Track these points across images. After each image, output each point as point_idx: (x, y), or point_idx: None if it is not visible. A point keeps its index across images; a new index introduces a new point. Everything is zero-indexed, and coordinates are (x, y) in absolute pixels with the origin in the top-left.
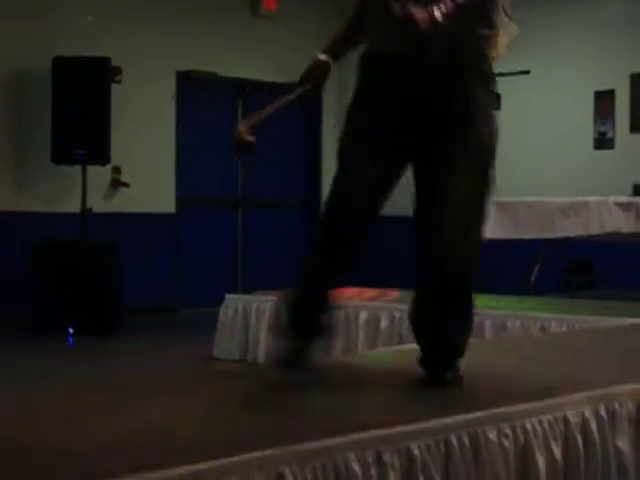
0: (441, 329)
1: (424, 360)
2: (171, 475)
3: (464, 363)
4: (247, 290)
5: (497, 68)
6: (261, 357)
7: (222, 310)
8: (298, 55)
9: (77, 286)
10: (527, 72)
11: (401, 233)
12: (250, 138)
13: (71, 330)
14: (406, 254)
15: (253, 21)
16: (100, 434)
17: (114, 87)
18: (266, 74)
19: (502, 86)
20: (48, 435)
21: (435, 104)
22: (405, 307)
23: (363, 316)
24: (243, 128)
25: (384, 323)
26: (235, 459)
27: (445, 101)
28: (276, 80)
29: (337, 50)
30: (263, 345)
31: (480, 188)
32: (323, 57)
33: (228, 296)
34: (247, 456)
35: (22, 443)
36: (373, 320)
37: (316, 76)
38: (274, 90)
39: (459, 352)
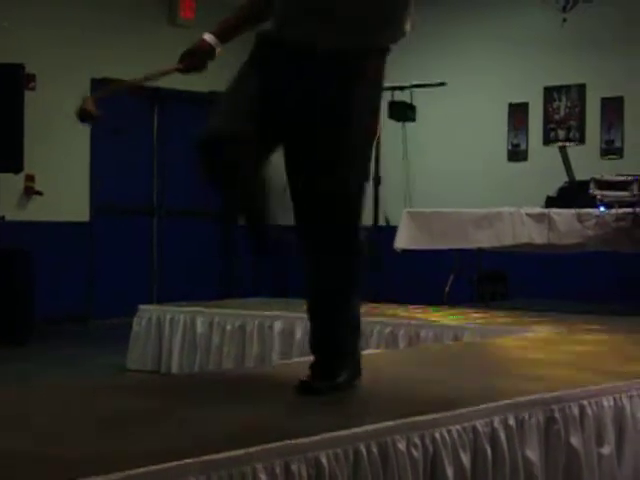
0: (321, 332)
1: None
2: None
3: (368, 371)
4: (162, 300)
5: (414, 79)
6: (175, 368)
7: (136, 320)
8: (215, 64)
9: None
10: (443, 84)
11: None
12: (92, 109)
13: None
14: None
15: (170, 29)
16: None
17: (28, 94)
18: (182, 83)
19: (418, 97)
20: None
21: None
22: None
23: (278, 326)
24: (91, 98)
25: (299, 333)
26: (132, 472)
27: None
28: (192, 89)
29: (226, 34)
30: (177, 356)
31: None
32: (208, 38)
33: (142, 307)
34: (146, 469)
35: None
36: (288, 330)
37: (198, 56)
38: (191, 98)
39: (341, 358)
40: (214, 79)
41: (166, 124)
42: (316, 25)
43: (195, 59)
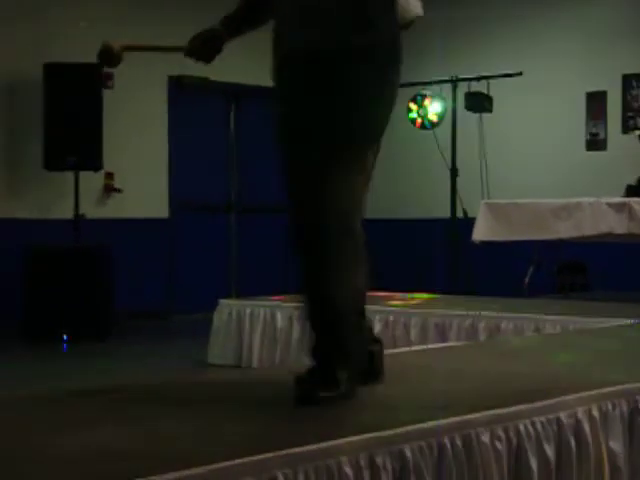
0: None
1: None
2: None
3: (449, 363)
4: (240, 295)
5: (490, 70)
6: (255, 362)
7: (216, 315)
8: None
9: (70, 292)
10: (520, 74)
11: (388, 236)
12: (119, 53)
13: (65, 336)
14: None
15: None
16: (91, 440)
17: (106, 93)
18: (259, 78)
19: (495, 88)
20: (41, 441)
21: None
22: (396, 310)
23: None
24: (119, 44)
25: (377, 327)
26: (227, 464)
27: None
28: (269, 85)
29: (233, 25)
30: (257, 350)
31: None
32: (215, 26)
33: (222, 301)
34: (239, 461)
35: (14, 450)
36: None
37: (202, 41)
38: (268, 94)
39: (336, 359)
40: None
41: (243, 120)
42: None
43: (198, 43)
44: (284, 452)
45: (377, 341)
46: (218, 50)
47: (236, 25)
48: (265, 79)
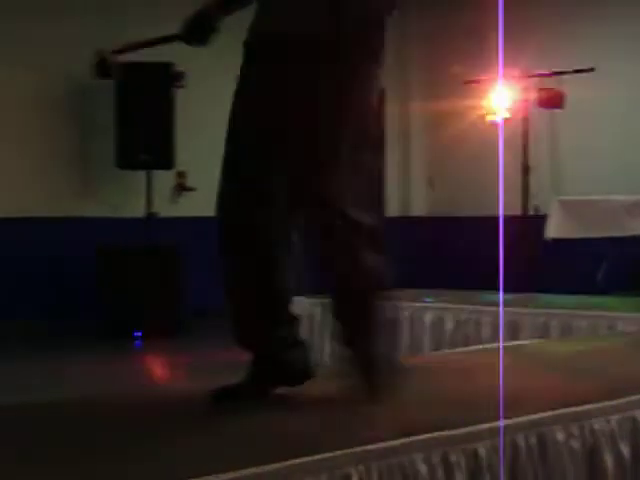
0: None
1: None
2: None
3: (521, 361)
4: (309, 293)
5: (562, 66)
6: (326, 358)
7: None
8: None
9: (143, 290)
10: (592, 69)
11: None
12: (113, 61)
13: (138, 334)
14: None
15: None
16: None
17: (178, 91)
18: None
19: (567, 84)
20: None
21: None
22: (468, 307)
23: (428, 317)
24: (111, 49)
25: (449, 324)
26: (299, 461)
27: None
28: None
29: (219, 5)
30: (328, 347)
31: None
32: (205, 6)
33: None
34: (316, 457)
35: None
36: (438, 322)
37: (193, 23)
38: None
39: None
40: None
41: None
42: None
43: (188, 27)
44: (359, 449)
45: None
46: (212, 30)
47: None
48: None
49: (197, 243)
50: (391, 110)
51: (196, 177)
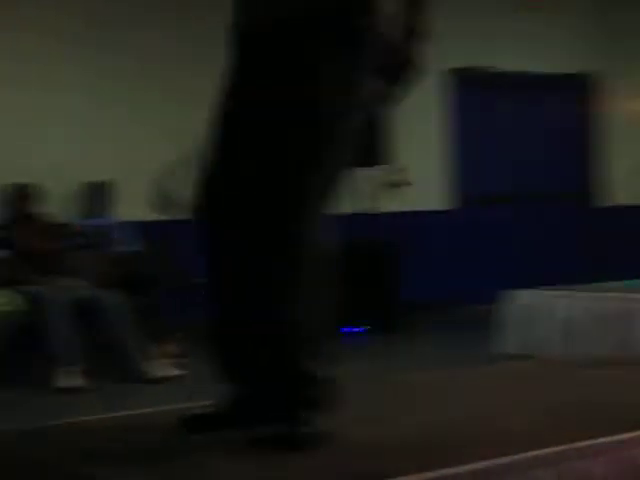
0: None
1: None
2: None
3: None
4: (526, 285)
5: None
6: (543, 353)
7: (501, 306)
8: (570, 46)
9: (362, 284)
10: None
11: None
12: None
13: (360, 328)
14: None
15: (515, 16)
16: (394, 431)
17: None
18: (539, 66)
19: None
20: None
21: None
22: None
23: None
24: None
25: None
26: (541, 452)
27: None
28: (550, 72)
29: None
30: (546, 341)
31: None
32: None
33: (507, 292)
34: (532, 454)
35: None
36: None
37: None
38: (548, 82)
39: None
40: (565, 62)
41: (524, 109)
42: None
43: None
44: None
45: None
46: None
47: None
48: (545, 66)
49: (413, 237)
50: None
51: (410, 172)
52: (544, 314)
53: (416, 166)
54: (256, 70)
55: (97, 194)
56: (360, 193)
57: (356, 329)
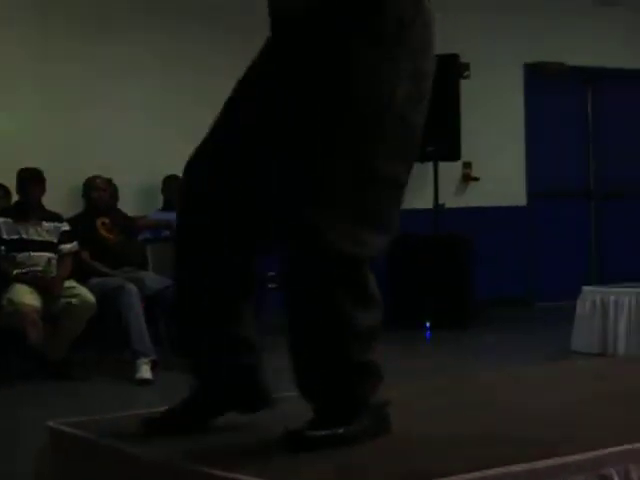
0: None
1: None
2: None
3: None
4: (602, 282)
5: None
6: (621, 350)
7: (579, 303)
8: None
9: (431, 280)
10: None
11: None
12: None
13: (428, 324)
14: None
15: (596, 10)
16: (469, 426)
17: (463, 83)
18: (614, 61)
19: None
20: (418, 427)
21: None
22: None
23: None
24: None
25: None
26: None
27: None
28: (624, 66)
29: None
30: (623, 338)
31: None
32: None
33: (585, 288)
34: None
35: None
36: None
37: None
38: (625, 76)
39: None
40: None
41: (601, 104)
42: None
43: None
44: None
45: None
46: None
47: None
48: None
49: (484, 233)
50: None
51: (481, 167)
52: (619, 311)
53: (492, 161)
54: (288, 56)
55: (172, 188)
56: (437, 187)
57: (428, 324)
